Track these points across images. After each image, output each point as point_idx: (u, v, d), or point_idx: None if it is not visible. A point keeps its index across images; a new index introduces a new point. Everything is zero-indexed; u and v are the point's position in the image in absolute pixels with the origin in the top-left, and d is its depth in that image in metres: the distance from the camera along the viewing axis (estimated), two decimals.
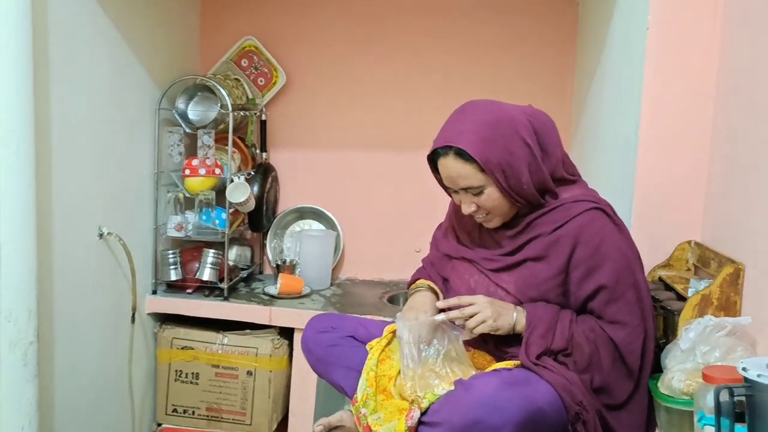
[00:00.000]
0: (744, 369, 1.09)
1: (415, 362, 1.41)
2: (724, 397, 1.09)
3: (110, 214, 2.20)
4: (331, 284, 2.68)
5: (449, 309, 1.48)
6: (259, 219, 2.69)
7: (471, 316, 1.42)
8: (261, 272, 2.84)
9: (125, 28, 2.22)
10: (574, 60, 2.62)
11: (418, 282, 1.66)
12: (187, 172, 2.45)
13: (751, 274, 1.43)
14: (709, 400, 1.13)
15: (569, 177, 1.53)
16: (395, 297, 2.59)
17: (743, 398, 1.10)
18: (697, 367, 1.31)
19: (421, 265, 1.76)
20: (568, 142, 2.54)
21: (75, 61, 1.97)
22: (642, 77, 1.73)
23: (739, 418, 1.11)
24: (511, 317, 1.43)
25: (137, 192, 2.38)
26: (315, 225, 2.81)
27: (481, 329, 1.42)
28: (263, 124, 2.77)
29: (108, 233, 2.17)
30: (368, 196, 2.79)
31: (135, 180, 2.37)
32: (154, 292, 2.47)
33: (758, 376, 1.06)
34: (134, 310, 2.30)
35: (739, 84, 1.57)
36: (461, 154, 1.43)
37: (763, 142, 1.42)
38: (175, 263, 2.46)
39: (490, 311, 1.42)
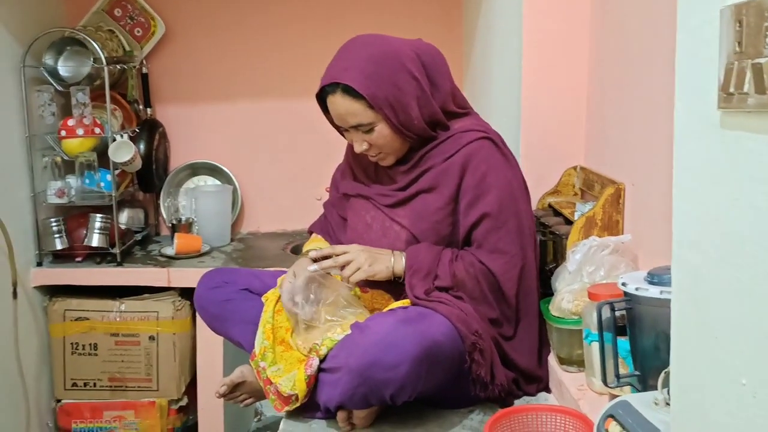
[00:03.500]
0: (623, 284, 1.13)
1: (299, 320, 1.39)
2: (606, 312, 1.13)
3: None
4: (232, 239, 2.60)
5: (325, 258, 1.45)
6: (150, 178, 2.55)
7: (345, 265, 1.40)
8: (158, 233, 2.72)
9: None
10: None
11: (306, 245, 1.63)
12: (63, 133, 2.28)
13: (630, 193, 1.48)
14: (594, 317, 1.17)
15: (460, 110, 1.52)
16: (298, 247, 2.54)
17: (624, 312, 1.14)
18: (584, 287, 1.35)
19: (323, 211, 1.73)
20: (460, 78, 2.53)
21: None
22: (521, 8, 1.73)
23: (621, 332, 1.16)
24: (389, 261, 1.42)
25: (7, 159, 2.19)
26: (210, 180, 2.70)
27: (358, 276, 1.40)
28: (145, 78, 2.60)
29: None
30: (263, 147, 2.70)
31: (2, 146, 2.17)
32: (40, 264, 2.32)
33: (636, 289, 1.10)
34: (15, 284, 2.15)
35: (610, 9, 1.59)
36: (348, 91, 1.39)
37: (633, 66, 1.46)
38: (59, 231, 2.30)
39: (364, 257, 1.40)
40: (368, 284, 1.48)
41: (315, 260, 1.44)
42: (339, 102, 1.40)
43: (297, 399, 1.36)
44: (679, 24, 0.77)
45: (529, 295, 1.45)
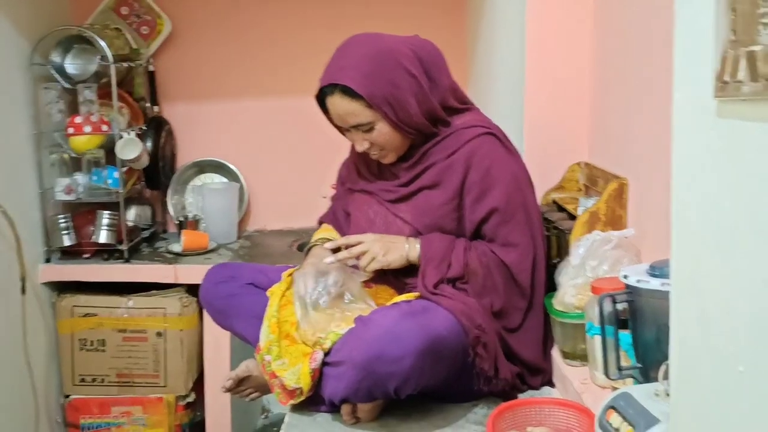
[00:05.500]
0: (625, 276, 1.13)
1: (309, 310, 1.40)
2: (608, 305, 1.14)
3: None
4: (239, 237, 2.62)
5: (339, 249, 1.46)
6: (156, 176, 2.57)
7: (361, 255, 1.41)
8: (165, 231, 2.73)
9: None
10: None
11: (315, 234, 1.64)
12: (71, 130, 2.30)
13: (633, 188, 1.48)
14: (596, 310, 1.17)
15: (461, 106, 1.53)
16: (305, 244, 2.54)
17: (626, 305, 1.14)
18: (588, 281, 1.35)
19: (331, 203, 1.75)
20: (465, 76, 2.54)
21: None
22: (525, 4, 1.73)
23: (623, 325, 1.16)
24: (403, 249, 1.43)
25: (15, 156, 2.22)
26: (217, 178, 2.71)
27: (373, 266, 1.42)
28: (151, 76, 2.62)
29: None
30: (269, 145, 2.71)
31: (11, 143, 2.19)
32: (48, 260, 2.34)
33: (638, 281, 1.10)
34: (23, 280, 2.17)
35: (613, 4, 1.59)
36: (346, 92, 1.40)
37: (635, 60, 1.46)
38: (67, 228, 2.33)
39: (378, 247, 1.42)
40: (373, 279, 1.48)
41: (333, 251, 1.45)
42: (338, 102, 1.41)
43: (302, 392, 1.37)
44: (676, 13, 0.78)
45: (540, 286, 1.47)
